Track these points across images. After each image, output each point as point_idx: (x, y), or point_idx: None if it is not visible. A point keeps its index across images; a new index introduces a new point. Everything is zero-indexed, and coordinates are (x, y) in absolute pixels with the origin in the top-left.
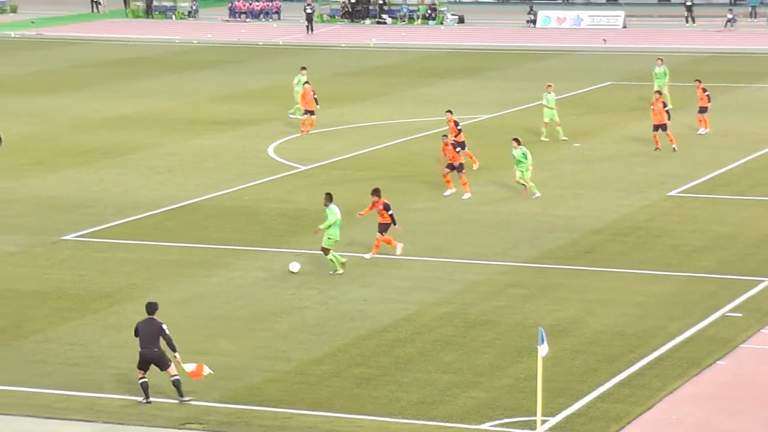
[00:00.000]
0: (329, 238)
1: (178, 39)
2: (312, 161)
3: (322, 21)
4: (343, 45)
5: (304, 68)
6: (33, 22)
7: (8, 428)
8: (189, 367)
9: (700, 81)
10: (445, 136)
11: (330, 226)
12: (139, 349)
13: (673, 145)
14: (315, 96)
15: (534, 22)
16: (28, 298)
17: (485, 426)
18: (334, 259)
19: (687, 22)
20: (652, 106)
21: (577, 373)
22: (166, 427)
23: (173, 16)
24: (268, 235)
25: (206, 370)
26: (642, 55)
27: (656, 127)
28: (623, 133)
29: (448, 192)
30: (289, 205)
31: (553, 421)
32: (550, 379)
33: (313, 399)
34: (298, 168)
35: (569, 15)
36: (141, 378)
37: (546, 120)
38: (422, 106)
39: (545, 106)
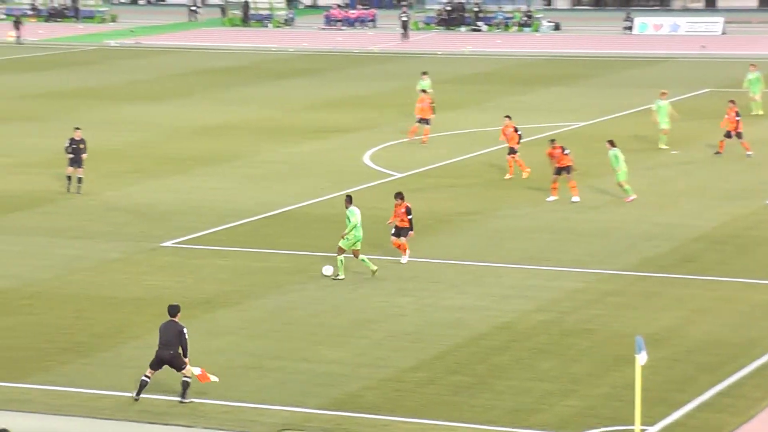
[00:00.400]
0: (347, 240)
1: (275, 47)
2: (407, 168)
3: (418, 28)
4: (438, 52)
5: (425, 73)
6: (132, 31)
7: None
8: (196, 371)
9: None
10: (552, 140)
11: (354, 227)
12: (157, 349)
13: (749, 152)
14: (433, 105)
15: (631, 28)
16: (128, 305)
17: None
18: (341, 262)
19: None
20: (726, 116)
21: (676, 383)
22: None
23: (269, 25)
24: (364, 242)
25: (212, 378)
26: (741, 61)
27: (728, 134)
28: None
29: (551, 198)
30: (385, 212)
31: (651, 430)
32: (649, 388)
33: (411, 406)
34: (394, 175)
35: (666, 21)
36: (146, 376)
37: (663, 127)
38: (518, 113)
39: (658, 113)
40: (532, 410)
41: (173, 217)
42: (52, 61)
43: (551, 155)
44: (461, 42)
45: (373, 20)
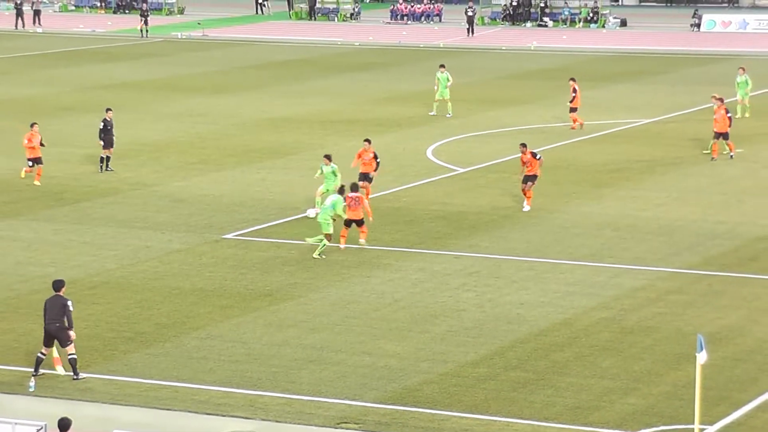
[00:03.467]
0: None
1: (340, 41)
2: (470, 164)
3: (483, 24)
4: (503, 48)
5: (442, 66)
6: (199, 24)
7: (171, 423)
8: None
9: None
10: (523, 144)
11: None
12: (44, 325)
13: (731, 153)
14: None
15: (698, 25)
16: (191, 295)
17: None
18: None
19: None
20: (714, 114)
21: (737, 382)
22: (322, 426)
23: (336, 18)
24: (426, 237)
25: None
26: None
27: (717, 135)
28: None
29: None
30: (448, 207)
31: (711, 430)
32: (709, 387)
33: (470, 401)
34: (457, 170)
35: (735, 18)
36: (41, 353)
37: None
38: (584, 109)
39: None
40: (592, 407)
41: (237, 208)
42: (120, 52)
43: (522, 161)
44: (527, 37)
45: (438, 15)
